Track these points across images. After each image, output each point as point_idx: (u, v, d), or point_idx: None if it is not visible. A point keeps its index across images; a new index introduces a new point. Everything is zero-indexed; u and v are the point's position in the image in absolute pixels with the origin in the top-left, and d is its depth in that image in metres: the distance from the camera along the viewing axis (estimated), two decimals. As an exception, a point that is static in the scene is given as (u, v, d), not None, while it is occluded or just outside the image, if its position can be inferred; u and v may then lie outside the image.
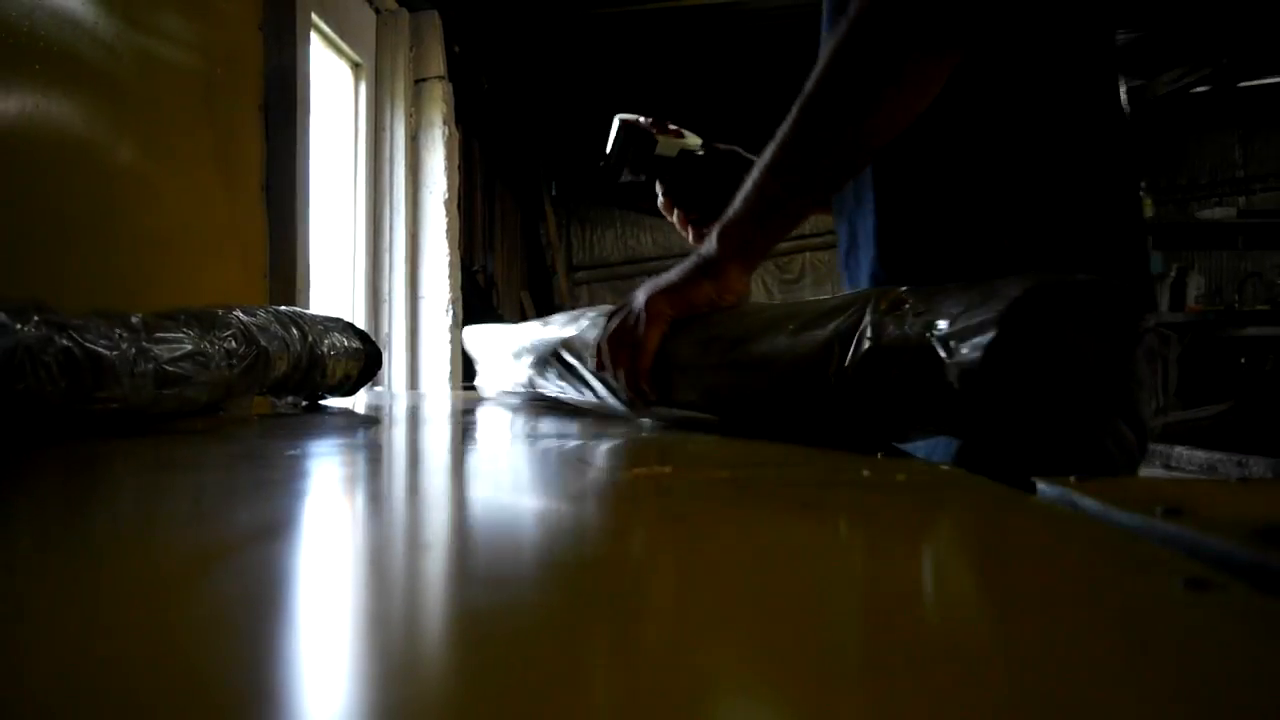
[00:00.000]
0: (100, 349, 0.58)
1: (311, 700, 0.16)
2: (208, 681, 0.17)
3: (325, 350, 0.92)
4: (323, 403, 1.01)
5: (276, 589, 0.25)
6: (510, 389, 1.02)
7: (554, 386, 0.86)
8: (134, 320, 0.65)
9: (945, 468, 0.47)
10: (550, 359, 0.86)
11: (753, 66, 3.60)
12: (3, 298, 0.55)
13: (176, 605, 0.22)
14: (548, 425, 0.76)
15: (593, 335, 0.77)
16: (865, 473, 0.44)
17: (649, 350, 0.67)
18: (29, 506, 0.38)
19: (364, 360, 1.01)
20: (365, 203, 2.24)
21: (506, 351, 1.00)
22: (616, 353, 0.70)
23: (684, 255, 0.71)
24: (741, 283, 0.67)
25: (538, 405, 1.01)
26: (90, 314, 0.61)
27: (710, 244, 0.67)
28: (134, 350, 0.62)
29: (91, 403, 0.58)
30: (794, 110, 0.62)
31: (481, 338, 1.17)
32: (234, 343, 0.75)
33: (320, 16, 1.85)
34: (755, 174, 0.65)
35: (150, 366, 0.63)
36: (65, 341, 0.56)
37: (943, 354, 0.47)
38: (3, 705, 0.15)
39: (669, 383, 0.68)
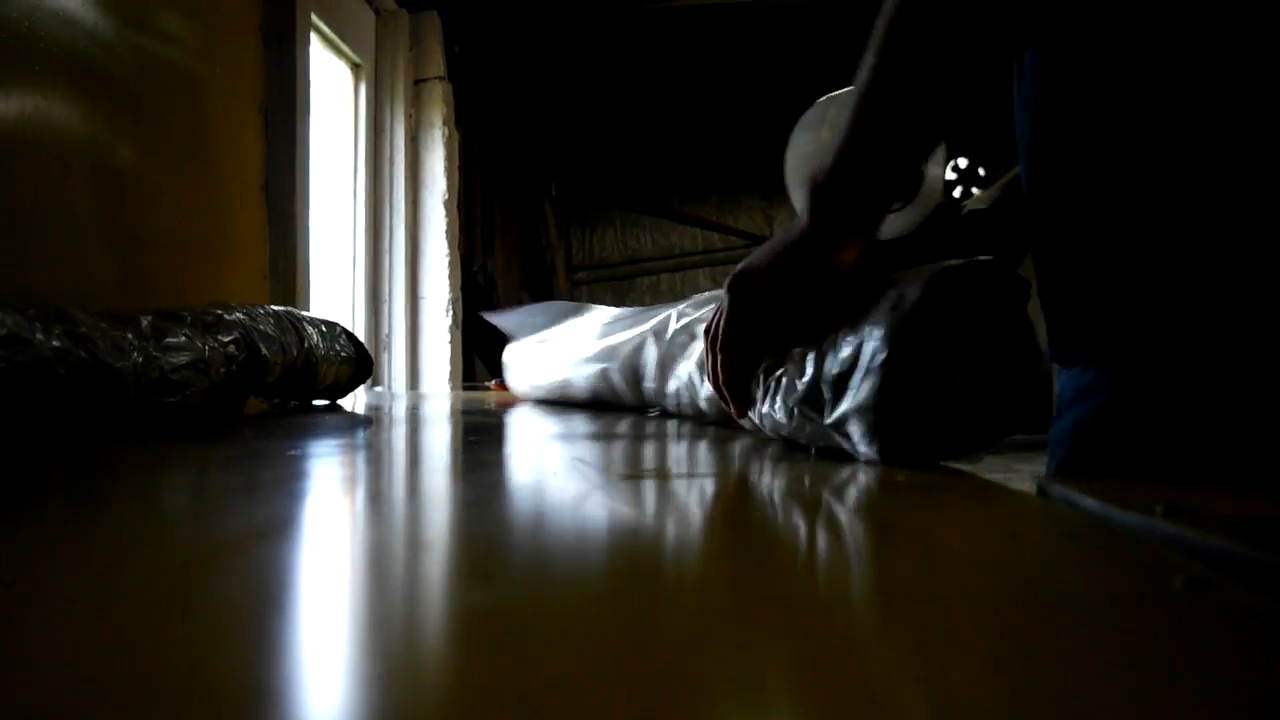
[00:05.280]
0: (111, 360, 0.59)
1: (311, 699, 0.16)
2: (208, 679, 0.17)
3: (320, 356, 0.93)
4: (315, 403, 1.02)
5: (277, 588, 0.25)
6: (553, 390, 1.00)
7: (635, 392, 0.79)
8: (144, 324, 0.66)
9: (944, 467, 0.47)
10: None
11: (754, 66, 3.60)
12: (28, 301, 0.56)
13: (178, 604, 0.22)
14: (549, 425, 0.76)
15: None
16: (865, 474, 0.44)
17: (721, 347, 0.57)
18: (32, 509, 0.38)
19: (354, 367, 1.03)
20: (365, 203, 2.25)
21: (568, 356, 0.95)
22: (707, 352, 0.59)
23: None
24: (841, 253, 0.54)
25: (543, 407, 1.01)
26: (102, 315, 0.62)
27: (799, 208, 0.56)
28: (142, 359, 0.63)
29: (96, 411, 0.59)
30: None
31: (529, 353, 1.12)
32: (234, 348, 0.75)
33: (320, 17, 1.85)
34: (848, 115, 0.54)
35: (156, 373, 0.64)
36: (81, 353, 0.57)
37: (848, 447, 0.45)
38: (8, 701, 0.15)
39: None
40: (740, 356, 0.56)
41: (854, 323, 0.46)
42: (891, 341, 0.42)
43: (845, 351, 0.45)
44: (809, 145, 0.61)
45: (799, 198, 0.59)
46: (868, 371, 0.43)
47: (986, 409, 0.45)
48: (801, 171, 0.62)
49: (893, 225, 0.57)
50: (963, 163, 0.79)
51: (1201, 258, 0.51)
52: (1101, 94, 0.55)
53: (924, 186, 0.58)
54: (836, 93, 0.62)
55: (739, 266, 0.57)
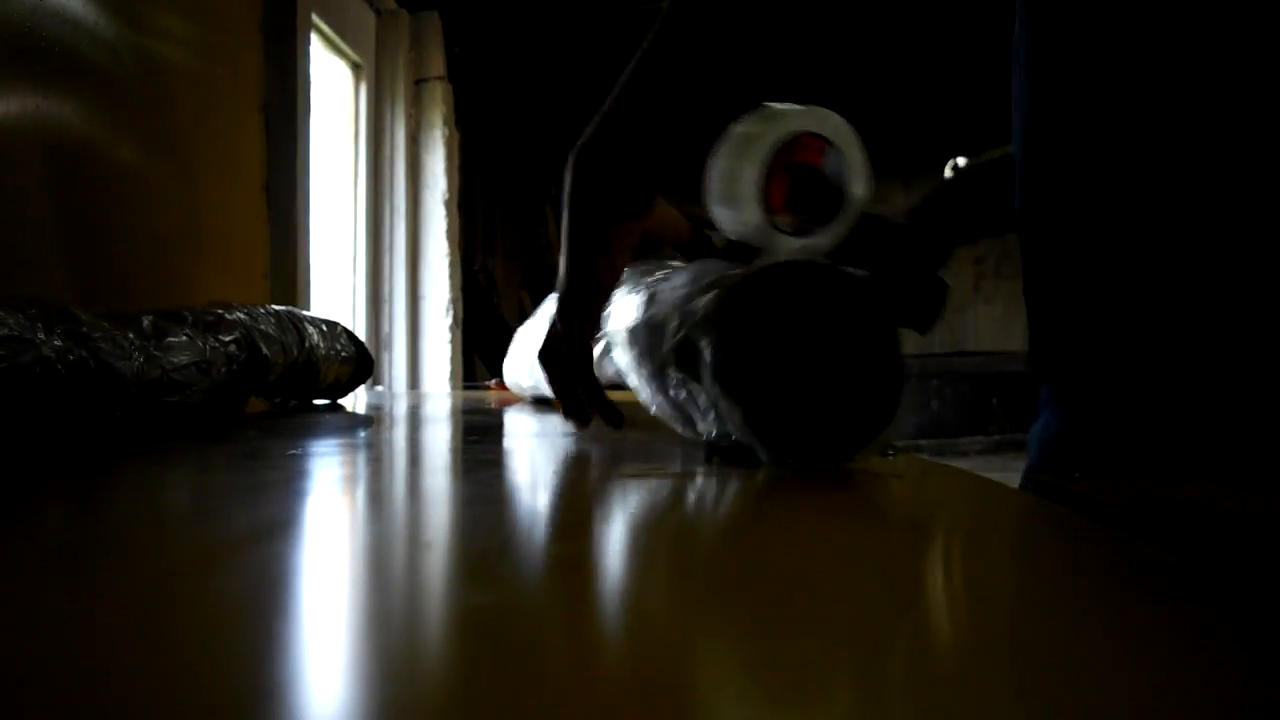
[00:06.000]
0: (113, 361, 0.59)
1: (312, 698, 0.16)
2: (210, 677, 0.17)
3: (321, 356, 0.93)
4: (315, 403, 1.02)
5: (278, 587, 0.25)
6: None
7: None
8: (145, 324, 0.66)
9: (941, 465, 0.47)
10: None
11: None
12: (30, 301, 0.56)
13: (179, 603, 0.22)
14: (548, 424, 0.76)
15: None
16: (862, 470, 0.44)
17: (556, 366, 0.57)
18: (34, 508, 0.39)
19: (355, 367, 1.03)
20: (365, 203, 2.25)
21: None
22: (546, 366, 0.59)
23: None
24: (620, 229, 0.52)
25: (542, 406, 1.01)
26: (103, 315, 0.62)
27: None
28: (143, 359, 0.63)
29: (97, 411, 0.59)
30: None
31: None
32: (235, 348, 0.75)
33: (320, 17, 1.85)
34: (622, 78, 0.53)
35: (157, 373, 0.64)
36: (83, 353, 0.57)
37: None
38: (5, 702, 0.16)
39: None
40: (570, 370, 0.55)
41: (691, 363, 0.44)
42: (730, 402, 0.42)
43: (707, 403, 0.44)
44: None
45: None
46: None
47: (856, 405, 0.43)
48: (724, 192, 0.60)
49: (812, 244, 0.56)
50: (962, 161, 0.79)
51: (1177, 281, 0.51)
52: (1087, 114, 0.55)
53: (844, 208, 0.57)
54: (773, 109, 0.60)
55: (558, 292, 0.55)
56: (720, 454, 0.47)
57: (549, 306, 0.76)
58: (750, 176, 0.54)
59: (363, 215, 2.24)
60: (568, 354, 0.55)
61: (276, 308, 0.91)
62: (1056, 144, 0.57)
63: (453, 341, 2.41)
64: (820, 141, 0.56)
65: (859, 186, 0.56)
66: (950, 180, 0.70)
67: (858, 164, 0.57)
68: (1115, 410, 0.54)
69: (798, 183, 0.55)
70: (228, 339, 0.75)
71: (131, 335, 0.63)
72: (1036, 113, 0.58)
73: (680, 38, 0.53)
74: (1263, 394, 0.49)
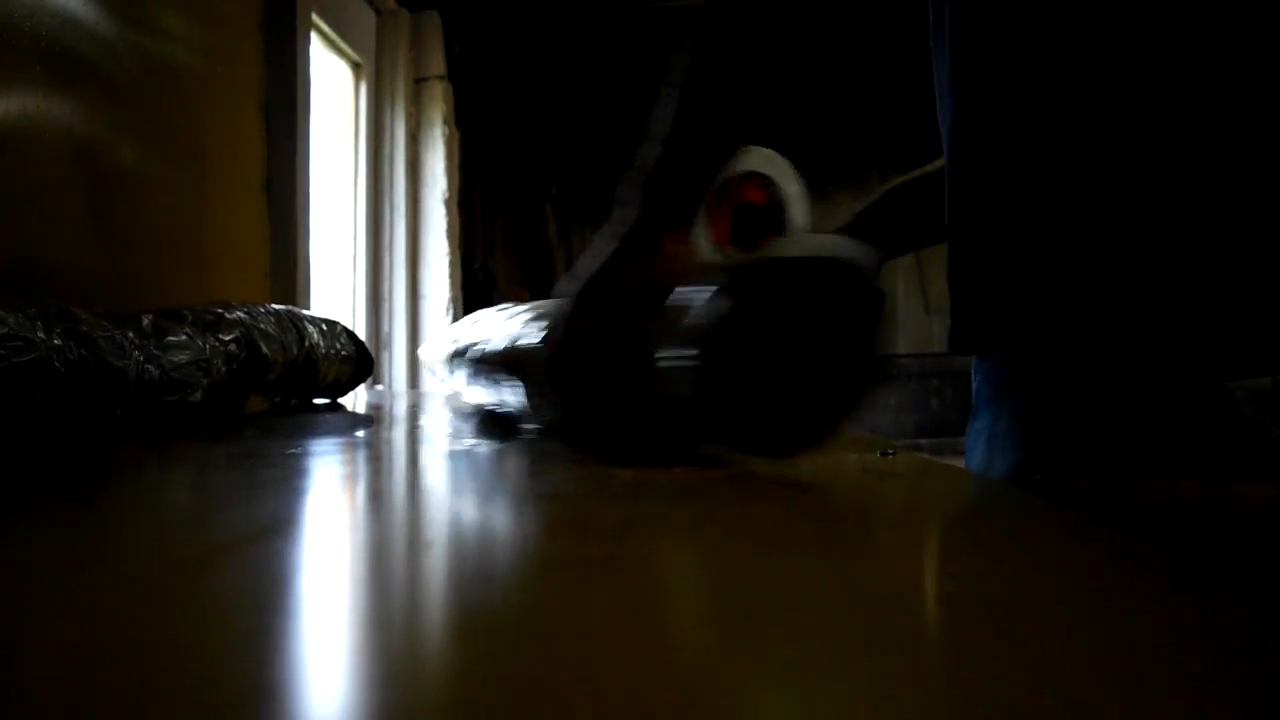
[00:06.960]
0: (112, 360, 0.60)
1: (312, 698, 0.16)
2: (209, 678, 0.17)
3: (321, 355, 0.93)
4: (314, 402, 1.02)
5: (277, 587, 0.25)
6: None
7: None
8: (145, 323, 0.66)
9: (942, 464, 0.47)
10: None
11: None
12: (29, 300, 0.57)
13: (179, 603, 0.22)
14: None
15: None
16: (864, 470, 0.44)
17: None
18: (33, 508, 0.38)
19: (355, 366, 1.03)
20: (365, 202, 2.25)
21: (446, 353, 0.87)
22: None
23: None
24: (675, 243, 0.54)
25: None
26: (103, 314, 0.62)
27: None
28: (143, 358, 0.63)
29: (97, 410, 0.59)
30: None
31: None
32: (235, 346, 0.75)
33: (320, 16, 1.85)
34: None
35: (156, 372, 0.64)
36: (83, 352, 0.57)
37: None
38: (9, 701, 0.16)
39: None
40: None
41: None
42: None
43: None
44: None
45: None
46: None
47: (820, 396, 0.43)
48: None
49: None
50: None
51: (1123, 254, 0.51)
52: (1024, 86, 0.55)
53: (785, 235, 0.61)
54: None
55: (581, 281, 0.53)
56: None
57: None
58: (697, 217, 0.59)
59: (363, 214, 2.24)
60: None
61: (276, 307, 0.91)
62: (994, 133, 0.56)
63: (453, 341, 2.41)
64: (759, 178, 0.61)
65: (797, 214, 0.61)
66: (881, 196, 0.75)
67: (795, 195, 0.62)
68: (1084, 400, 0.53)
69: (740, 219, 0.60)
70: (227, 338, 0.75)
71: (131, 334, 0.63)
72: (966, 97, 0.58)
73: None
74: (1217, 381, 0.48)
